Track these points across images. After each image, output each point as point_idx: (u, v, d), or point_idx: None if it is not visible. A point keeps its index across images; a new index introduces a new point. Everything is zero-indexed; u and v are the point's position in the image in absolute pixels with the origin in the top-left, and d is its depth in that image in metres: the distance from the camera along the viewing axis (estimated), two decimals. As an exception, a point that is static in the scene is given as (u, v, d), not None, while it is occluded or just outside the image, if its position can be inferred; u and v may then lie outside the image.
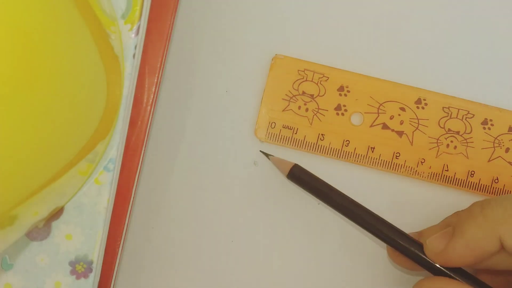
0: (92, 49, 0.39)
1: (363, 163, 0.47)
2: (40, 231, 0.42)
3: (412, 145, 0.47)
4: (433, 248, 0.42)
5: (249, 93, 0.48)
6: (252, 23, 0.48)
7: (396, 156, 0.47)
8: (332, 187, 0.45)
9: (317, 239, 0.48)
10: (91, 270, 0.42)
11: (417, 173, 0.47)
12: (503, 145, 0.47)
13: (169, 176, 0.48)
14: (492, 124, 0.47)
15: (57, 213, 0.42)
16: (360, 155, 0.47)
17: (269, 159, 0.47)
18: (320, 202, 0.46)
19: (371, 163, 0.47)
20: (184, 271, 0.48)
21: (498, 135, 0.47)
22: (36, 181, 0.36)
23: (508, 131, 0.47)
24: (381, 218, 0.44)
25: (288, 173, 0.45)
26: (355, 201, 0.44)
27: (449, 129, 0.47)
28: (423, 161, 0.47)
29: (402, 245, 0.43)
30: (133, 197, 0.44)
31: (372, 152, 0.47)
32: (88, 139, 0.40)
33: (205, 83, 0.48)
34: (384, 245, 0.47)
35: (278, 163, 0.46)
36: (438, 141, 0.47)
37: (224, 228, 0.48)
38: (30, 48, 0.32)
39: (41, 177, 0.37)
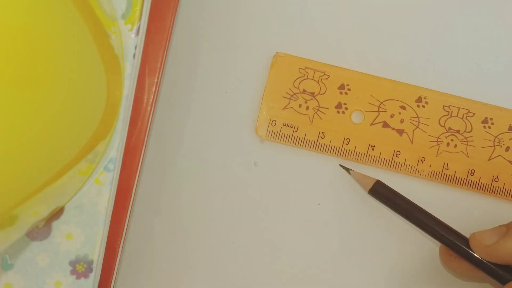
0: (92, 50, 0.39)
1: (364, 161, 0.47)
2: (41, 231, 0.42)
3: (412, 143, 0.47)
4: (482, 240, 0.42)
5: (249, 91, 0.48)
6: (253, 22, 0.48)
7: (397, 154, 0.47)
8: (413, 203, 0.45)
9: (317, 239, 0.48)
10: (91, 270, 0.42)
11: (417, 171, 0.47)
12: (503, 144, 0.47)
13: (169, 176, 0.48)
14: (492, 123, 0.47)
15: (58, 213, 0.42)
16: (360, 153, 0.47)
17: (349, 173, 0.47)
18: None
19: (372, 161, 0.47)
20: (184, 271, 0.48)
21: (498, 134, 0.47)
22: (37, 181, 0.36)
23: (509, 130, 0.47)
24: (463, 236, 0.44)
25: (370, 189, 0.46)
26: (436, 217, 0.44)
27: (449, 128, 0.47)
28: (423, 159, 0.47)
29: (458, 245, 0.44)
30: (133, 197, 0.44)
31: (373, 150, 0.47)
32: (88, 139, 0.40)
33: (205, 82, 0.48)
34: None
35: (359, 178, 0.47)
36: (439, 140, 0.47)
37: (225, 228, 0.48)
38: (30, 48, 0.32)
39: (41, 177, 0.37)
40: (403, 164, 0.47)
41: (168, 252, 0.48)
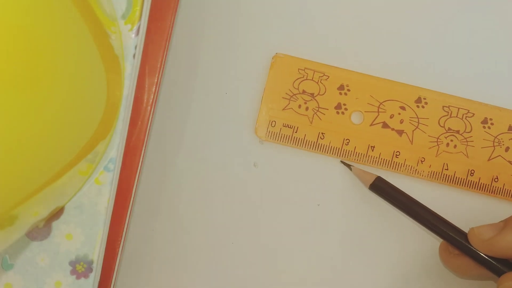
0: (92, 50, 0.39)
1: (363, 161, 0.47)
2: (41, 231, 0.42)
3: (412, 143, 0.47)
4: (480, 235, 0.43)
5: (249, 92, 0.48)
6: (252, 22, 0.48)
7: (396, 155, 0.47)
8: (413, 198, 0.45)
9: (317, 240, 0.48)
10: (91, 270, 0.42)
11: (417, 171, 0.47)
12: (503, 144, 0.47)
13: (169, 176, 0.48)
14: (492, 124, 0.47)
15: (58, 213, 0.42)
16: (360, 154, 0.47)
17: (350, 169, 0.47)
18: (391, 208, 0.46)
19: (371, 161, 0.47)
20: (184, 271, 0.48)
21: (498, 134, 0.47)
22: (37, 181, 0.36)
23: (508, 130, 0.47)
24: (462, 231, 0.44)
25: (371, 184, 0.46)
26: (436, 213, 0.45)
27: (449, 128, 0.47)
28: (423, 159, 0.47)
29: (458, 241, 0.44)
30: (133, 197, 0.44)
31: (372, 150, 0.47)
32: (88, 139, 0.40)
33: (205, 83, 0.48)
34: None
35: (359, 174, 0.47)
36: (438, 140, 0.47)
37: (225, 228, 0.48)
38: (30, 48, 0.32)
39: (41, 177, 0.37)
40: (402, 165, 0.47)
41: (168, 252, 0.48)
